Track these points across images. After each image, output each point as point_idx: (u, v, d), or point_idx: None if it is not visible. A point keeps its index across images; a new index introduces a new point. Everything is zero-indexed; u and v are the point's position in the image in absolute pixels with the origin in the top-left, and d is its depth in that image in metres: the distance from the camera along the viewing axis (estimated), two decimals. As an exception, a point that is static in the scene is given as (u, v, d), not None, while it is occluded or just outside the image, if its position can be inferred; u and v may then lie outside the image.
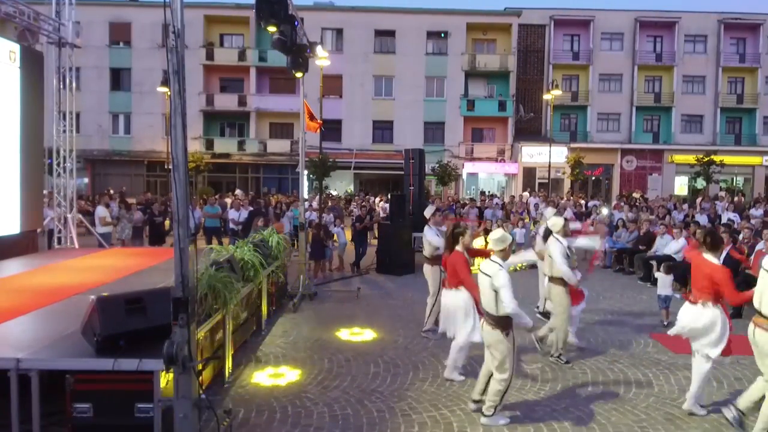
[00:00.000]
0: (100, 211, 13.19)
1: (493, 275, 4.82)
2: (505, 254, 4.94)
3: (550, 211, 9.27)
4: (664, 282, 8.42)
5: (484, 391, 5.11)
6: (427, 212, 8.38)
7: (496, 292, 4.79)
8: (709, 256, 5.11)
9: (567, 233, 6.92)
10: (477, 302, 5.54)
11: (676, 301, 8.03)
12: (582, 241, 7.41)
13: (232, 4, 32.65)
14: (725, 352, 5.04)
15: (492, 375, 5.01)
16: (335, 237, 13.06)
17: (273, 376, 6.05)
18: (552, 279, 6.75)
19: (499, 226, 10.47)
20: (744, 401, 4.86)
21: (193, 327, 3.95)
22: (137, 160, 32.75)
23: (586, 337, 7.69)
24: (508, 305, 4.71)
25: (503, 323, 4.85)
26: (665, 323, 8.15)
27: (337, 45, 33.48)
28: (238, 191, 24.12)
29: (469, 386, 5.64)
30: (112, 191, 23.13)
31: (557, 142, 31.95)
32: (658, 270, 8.91)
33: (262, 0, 7.82)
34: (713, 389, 5.78)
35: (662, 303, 8.43)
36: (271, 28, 8.17)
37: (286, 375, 6.10)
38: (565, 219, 7.51)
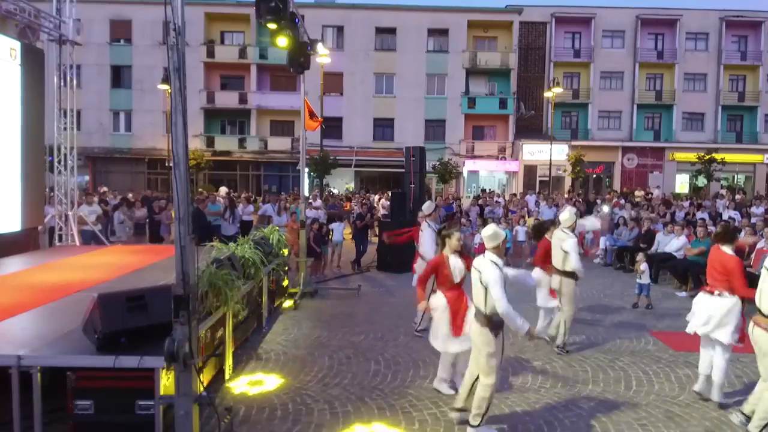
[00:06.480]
0: (84, 210, 12.44)
1: (483, 270, 4.53)
2: (498, 251, 4.64)
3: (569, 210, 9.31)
4: (645, 271, 9.47)
5: (468, 397, 4.78)
6: (427, 208, 8.15)
7: (486, 288, 4.50)
8: (725, 248, 5.38)
9: (574, 229, 7.15)
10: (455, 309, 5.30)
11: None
12: (587, 222, 8.13)
13: (233, 1, 32.62)
14: (741, 339, 5.23)
15: (477, 379, 4.67)
16: (331, 234, 13.01)
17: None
18: (564, 273, 6.95)
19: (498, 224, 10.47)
20: (749, 406, 4.89)
21: (194, 324, 3.95)
22: (138, 157, 32.75)
23: (587, 334, 7.73)
24: (499, 302, 4.37)
25: (493, 323, 4.53)
26: (638, 306, 9.47)
27: (338, 42, 33.44)
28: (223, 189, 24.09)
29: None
30: (104, 189, 22.51)
31: (558, 139, 31.92)
32: (636, 261, 9.86)
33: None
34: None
35: (641, 290, 9.51)
36: (271, 26, 8.15)
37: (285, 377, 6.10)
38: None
